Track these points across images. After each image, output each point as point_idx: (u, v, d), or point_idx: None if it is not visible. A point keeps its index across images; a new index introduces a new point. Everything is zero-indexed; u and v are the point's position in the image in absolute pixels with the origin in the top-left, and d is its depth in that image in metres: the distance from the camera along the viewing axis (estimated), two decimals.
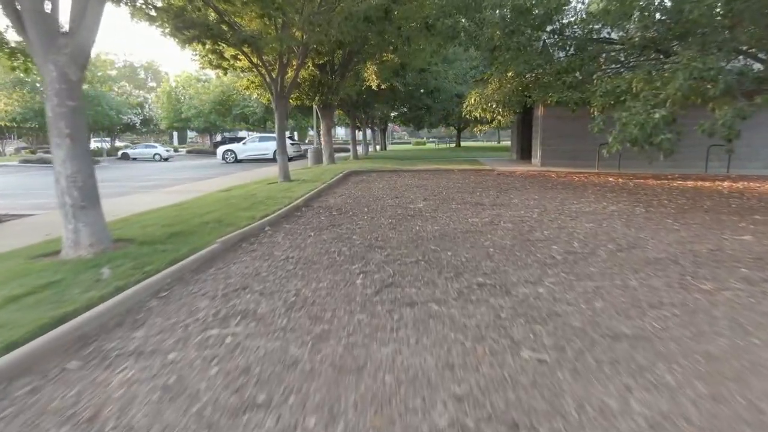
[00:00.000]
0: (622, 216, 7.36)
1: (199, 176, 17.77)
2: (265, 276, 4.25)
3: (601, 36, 10.94)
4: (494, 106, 10.92)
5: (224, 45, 11.82)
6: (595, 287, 3.96)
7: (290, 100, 17.96)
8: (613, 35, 10.96)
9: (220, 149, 27.50)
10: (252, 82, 17.36)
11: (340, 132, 69.59)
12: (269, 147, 26.97)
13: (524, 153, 20.70)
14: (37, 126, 32.79)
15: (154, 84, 61.73)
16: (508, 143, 57.65)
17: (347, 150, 36.91)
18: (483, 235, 5.97)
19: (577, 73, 10.16)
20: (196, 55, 13.35)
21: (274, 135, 30.26)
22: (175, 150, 44.76)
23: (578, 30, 10.71)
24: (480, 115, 11.69)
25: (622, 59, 11.27)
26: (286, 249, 5.28)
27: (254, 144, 26.99)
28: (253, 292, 3.80)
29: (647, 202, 8.72)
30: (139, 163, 32.06)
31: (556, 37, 10.63)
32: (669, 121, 7.65)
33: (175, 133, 62.81)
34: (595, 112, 9.59)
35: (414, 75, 19.67)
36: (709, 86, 7.61)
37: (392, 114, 36.13)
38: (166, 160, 35.75)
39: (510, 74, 10.53)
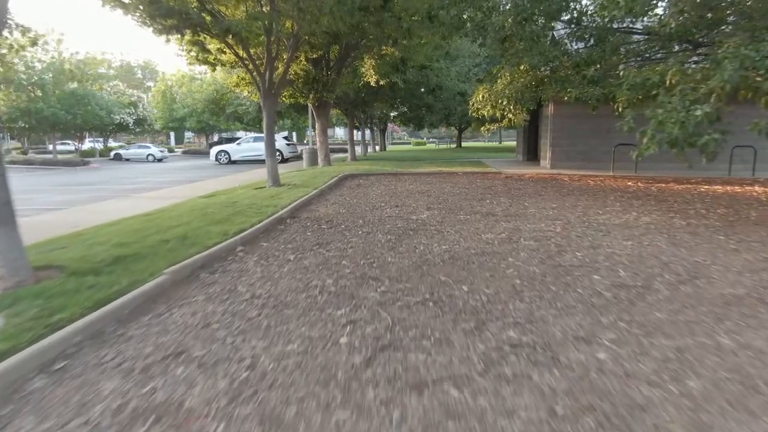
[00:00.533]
0: (661, 230, 6.19)
1: (187, 179, 16.63)
2: (216, 329, 3.07)
3: (623, 26, 9.76)
4: (504, 103, 9.70)
5: (207, 36, 10.66)
6: (676, 349, 2.79)
7: (283, 98, 16.79)
8: (637, 25, 9.79)
9: (213, 150, 26.28)
10: (242, 79, 16.19)
11: (339, 132, 68.44)
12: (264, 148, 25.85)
13: (530, 154, 19.54)
14: (27, 126, 31.62)
15: (152, 83, 60.47)
16: (510, 143, 56.11)
17: (346, 150, 35.71)
18: (503, 259, 4.80)
19: (598, 66, 8.98)
20: (182, 50, 12.21)
21: None
22: (171, 150, 43.56)
23: (597, 19, 9.53)
24: (488, 114, 10.47)
25: (644, 51, 10.10)
26: (255, 282, 4.10)
27: (249, 144, 25.77)
28: (190, 362, 2.62)
29: (683, 212, 7.55)
30: (131, 164, 30.91)
31: (573, 26, 9.44)
32: (713, 118, 6.48)
33: (172, 134, 61.55)
34: (620, 108, 8.41)
35: (415, 72, 18.50)
36: (759, 78, 6.45)
37: (392, 114, 35.00)
38: (160, 161, 34.57)
39: (522, 67, 9.34)
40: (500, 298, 3.66)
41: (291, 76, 15.24)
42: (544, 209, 7.91)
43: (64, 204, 10.28)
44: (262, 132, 34.73)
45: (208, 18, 9.73)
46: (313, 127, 17.54)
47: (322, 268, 4.50)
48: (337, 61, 16.06)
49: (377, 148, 36.91)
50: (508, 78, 9.74)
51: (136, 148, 35.66)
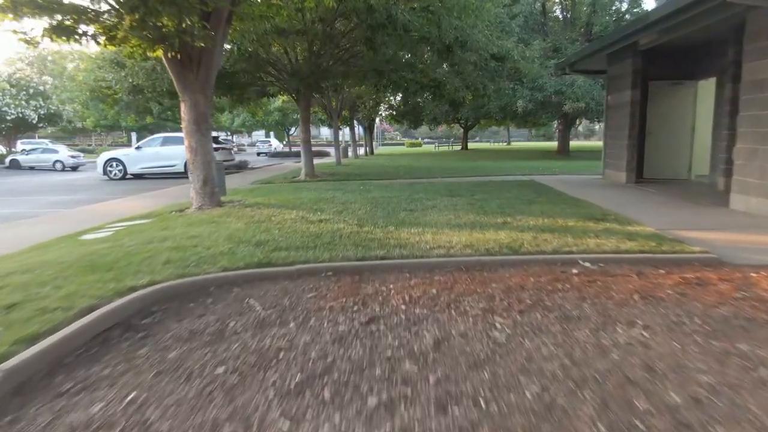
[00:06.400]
0: None
1: None
2: None
3: None
4: None
5: None
6: None
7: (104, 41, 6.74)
8: None
9: (101, 158, 16.13)
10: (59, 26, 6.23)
11: (325, 132, 58.06)
12: (177, 155, 15.56)
13: (639, 169, 9.65)
14: None
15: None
16: (520, 145, 44.09)
17: (328, 154, 25.42)
18: None
19: None
20: None
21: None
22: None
23: None
24: None
25: None
26: None
27: (153, 150, 15.73)
28: None
29: None
30: (31, 174, 20.93)
31: None
32: None
33: (134, 134, 50.85)
34: None
35: (416, 17, 8.70)
36: None
37: (381, 107, 25.16)
38: (74, 169, 24.42)
39: None
40: None
41: None
42: None
43: None
44: (177, 130, 21.75)
45: None
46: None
47: None
48: None
49: (361, 151, 26.93)
50: None
51: (39, 152, 25.43)
